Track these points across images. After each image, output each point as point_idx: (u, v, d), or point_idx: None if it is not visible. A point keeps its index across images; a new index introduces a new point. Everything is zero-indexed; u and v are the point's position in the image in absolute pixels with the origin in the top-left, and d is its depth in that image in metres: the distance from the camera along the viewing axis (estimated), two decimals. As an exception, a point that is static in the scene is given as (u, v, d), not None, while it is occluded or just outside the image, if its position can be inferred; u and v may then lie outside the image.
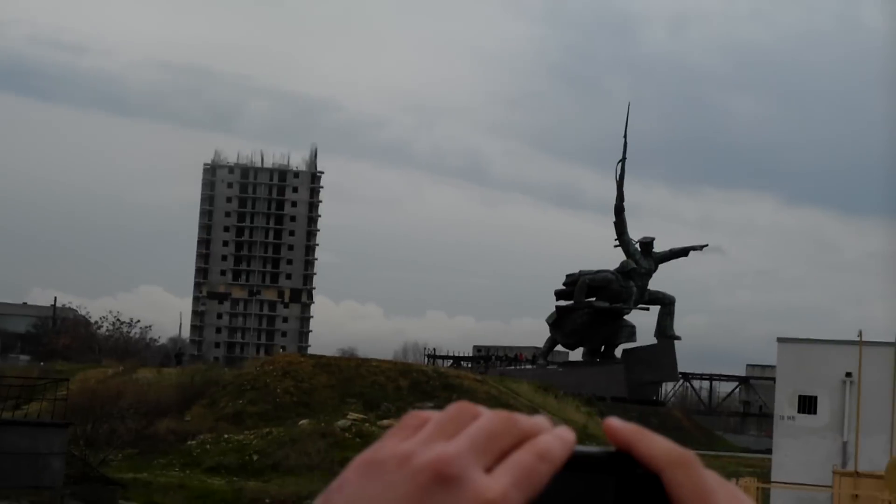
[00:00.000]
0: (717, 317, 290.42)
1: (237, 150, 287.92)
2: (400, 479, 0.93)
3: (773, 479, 45.85)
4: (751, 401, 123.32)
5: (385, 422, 59.26)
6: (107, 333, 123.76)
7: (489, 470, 0.96)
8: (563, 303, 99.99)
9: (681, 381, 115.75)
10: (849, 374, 48.35)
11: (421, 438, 0.97)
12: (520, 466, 0.96)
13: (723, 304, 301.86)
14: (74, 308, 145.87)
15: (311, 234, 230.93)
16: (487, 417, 1.00)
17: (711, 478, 1.00)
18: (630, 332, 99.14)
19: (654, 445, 1.00)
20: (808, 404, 51.87)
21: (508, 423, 0.99)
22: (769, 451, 59.04)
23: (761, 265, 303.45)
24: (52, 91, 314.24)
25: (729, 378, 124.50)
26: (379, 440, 0.99)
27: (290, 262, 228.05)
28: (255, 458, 53.94)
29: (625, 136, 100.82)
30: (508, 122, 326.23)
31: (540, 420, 1.02)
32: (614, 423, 1.02)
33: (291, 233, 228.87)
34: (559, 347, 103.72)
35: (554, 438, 0.99)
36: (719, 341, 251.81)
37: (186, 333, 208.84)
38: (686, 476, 0.98)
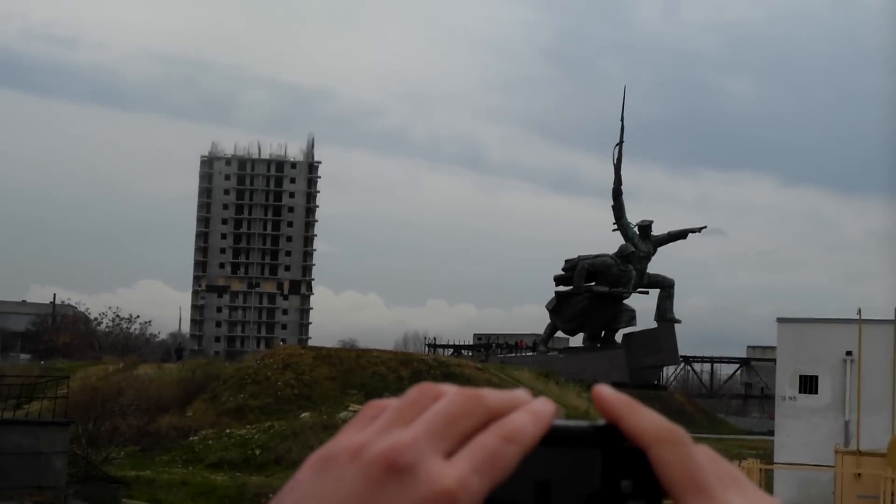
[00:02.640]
0: (718, 299, 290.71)
1: (234, 141, 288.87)
2: (351, 473, 0.87)
3: (775, 461, 45.87)
4: (752, 382, 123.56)
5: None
6: (107, 330, 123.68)
7: (451, 455, 0.88)
8: (562, 288, 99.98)
9: (682, 365, 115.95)
10: (849, 353, 48.32)
11: (376, 428, 0.90)
12: (482, 450, 0.88)
13: (723, 285, 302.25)
14: (74, 305, 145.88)
15: (310, 224, 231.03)
16: (449, 398, 0.92)
17: (702, 455, 0.92)
18: (630, 317, 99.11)
19: (642, 420, 0.92)
20: (809, 384, 51.86)
21: (472, 403, 0.91)
22: (771, 433, 59.09)
23: (761, 246, 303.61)
24: (47, 85, 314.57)
25: (730, 360, 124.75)
26: (336, 435, 0.93)
27: (288, 253, 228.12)
28: (257, 452, 53.93)
29: (622, 120, 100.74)
30: (504, 107, 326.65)
31: (515, 395, 0.93)
32: (603, 392, 0.95)
33: (290, 224, 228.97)
34: (560, 333, 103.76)
35: (526, 416, 0.91)
36: (720, 323, 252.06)
37: (186, 328, 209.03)
38: (674, 454, 0.90)
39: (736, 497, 0.89)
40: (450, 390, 0.92)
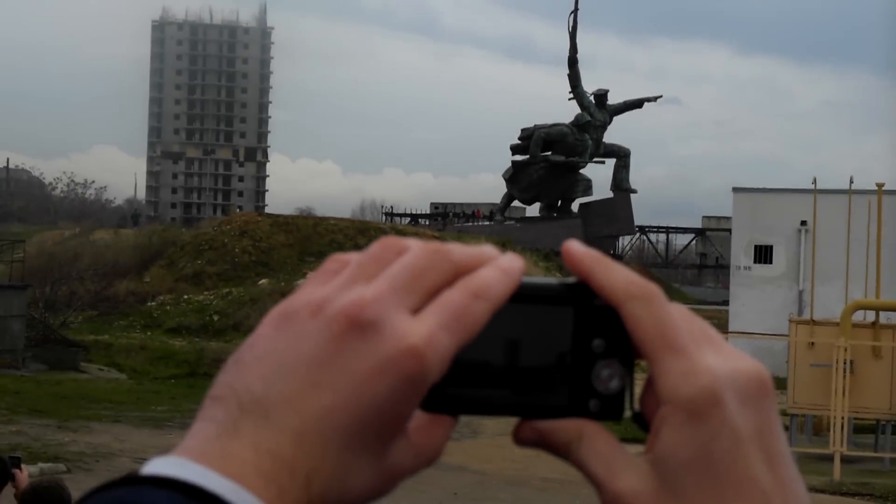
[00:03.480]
0: (673, 168, 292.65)
1: (185, 6, 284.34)
2: (313, 328, 0.82)
3: (730, 330, 46.39)
4: (707, 252, 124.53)
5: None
6: (62, 195, 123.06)
7: (417, 312, 0.84)
8: (518, 157, 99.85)
9: (637, 235, 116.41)
10: (804, 223, 48.72)
11: (339, 283, 0.85)
12: (449, 306, 0.84)
13: (678, 155, 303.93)
14: (28, 169, 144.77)
15: (264, 91, 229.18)
16: (414, 252, 0.86)
17: (676, 313, 0.87)
18: (586, 186, 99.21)
19: (614, 276, 0.87)
20: (763, 254, 52.39)
21: (438, 257, 0.86)
22: (726, 303, 59.72)
23: (717, 115, 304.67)
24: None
25: (685, 230, 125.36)
26: (297, 289, 0.87)
27: (243, 120, 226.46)
28: (215, 318, 54.00)
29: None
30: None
31: (482, 250, 0.88)
32: (573, 248, 0.91)
33: (244, 90, 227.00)
34: (516, 203, 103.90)
35: (495, 271, 0.86)
36: (675, 193, 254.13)
37: (142, 194, 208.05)
38: (646, 310, 0.85)
39: (710, 355, 0.85)
40: (414, 244, 0.87)
